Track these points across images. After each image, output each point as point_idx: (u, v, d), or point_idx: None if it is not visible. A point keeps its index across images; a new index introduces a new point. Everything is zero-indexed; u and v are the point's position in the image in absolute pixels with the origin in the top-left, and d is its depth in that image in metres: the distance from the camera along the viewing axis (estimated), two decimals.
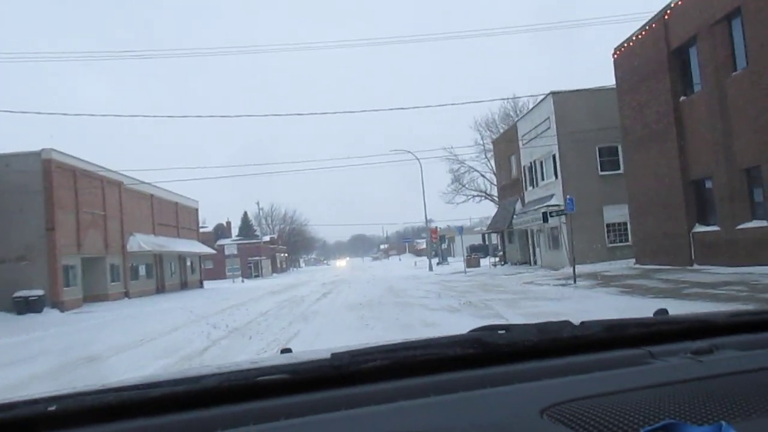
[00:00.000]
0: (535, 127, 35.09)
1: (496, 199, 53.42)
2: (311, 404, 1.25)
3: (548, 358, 1.48)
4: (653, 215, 23.86)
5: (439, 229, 77.47)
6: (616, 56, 26.04)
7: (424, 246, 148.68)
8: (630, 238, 32.06)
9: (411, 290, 26.20)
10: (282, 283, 49.59)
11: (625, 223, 32.20)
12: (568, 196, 22.46)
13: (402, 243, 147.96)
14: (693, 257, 21.58)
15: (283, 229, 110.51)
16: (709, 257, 20.63)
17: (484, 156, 52.22)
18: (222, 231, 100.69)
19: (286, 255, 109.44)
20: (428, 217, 55.88)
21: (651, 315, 1.91)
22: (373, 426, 1.16)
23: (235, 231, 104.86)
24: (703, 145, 20.53)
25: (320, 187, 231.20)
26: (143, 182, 41.68)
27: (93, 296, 35.45)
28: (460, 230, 38.98)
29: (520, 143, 37.75)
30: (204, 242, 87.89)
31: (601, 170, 32.22)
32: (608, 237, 32.17)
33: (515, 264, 40.89)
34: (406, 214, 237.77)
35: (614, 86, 28.79)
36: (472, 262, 50.29)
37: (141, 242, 40.00)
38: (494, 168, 51.39)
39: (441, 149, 54.64)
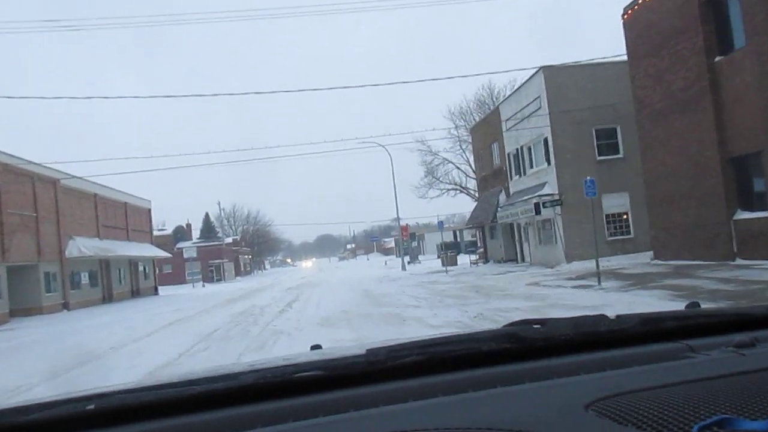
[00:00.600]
0: (522, 108, 31.17)
1: (474, 192, 49.56)
2: (348, 401, 1.23)
3: (585, 353, 1.45)
4: (678, 201, 20.04)
5: (409, 227, 73.44)
6: (626, 17, 22.16)
7: (392, 245, 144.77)
8: (632, 230, 28.38)
9: (393, 295, 21.99)
10: (244, 288, 45.06)
11: (625, 214, 28.48)
12: (588, 178, 18.39)
13: (369, 242, 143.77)
14: (735, 250, 17.77)
15: (246, 230, 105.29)
16: (757, 249, 16.84)
17: (459, 147, 48.38)
18: (182, 233, 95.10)
19: (250, 257, 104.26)
20: (398, 215, 51.37)
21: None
22: (411, 422, 1.12)
23: (196, 233, 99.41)
24: (748, 113, 16.76)
25: (285, 185, 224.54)
26: (83, 179, 36.75)
27: (24, 310, 30.46)
28: (441, 225, 34.95)
29: (504, 128, 33.81)
30: (162, 245, 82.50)
31: (599, 155, 28.43)
32: (607, 229, 28.37)
33: (499, 262, 36.96)
34: (373, 212, 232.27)
35: (611, 60, 25.03)
36: (449, 260, 46.34)
37: (82, 246, 35.05)
38: (471, 159, 47.53)
39: (412, 141, 50.07)
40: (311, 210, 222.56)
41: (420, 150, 48.81)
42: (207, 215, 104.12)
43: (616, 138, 28.35)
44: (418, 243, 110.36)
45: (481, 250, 41.64)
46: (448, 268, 42.71)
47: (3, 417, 1.24)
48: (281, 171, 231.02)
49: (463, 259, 48.38)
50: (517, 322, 1.74)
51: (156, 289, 49.50)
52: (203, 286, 65.45)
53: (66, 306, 33.80)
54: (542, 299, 15.39)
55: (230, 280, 78.17)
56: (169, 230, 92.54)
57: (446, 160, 48.90)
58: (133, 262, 45.10)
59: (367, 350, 1.43)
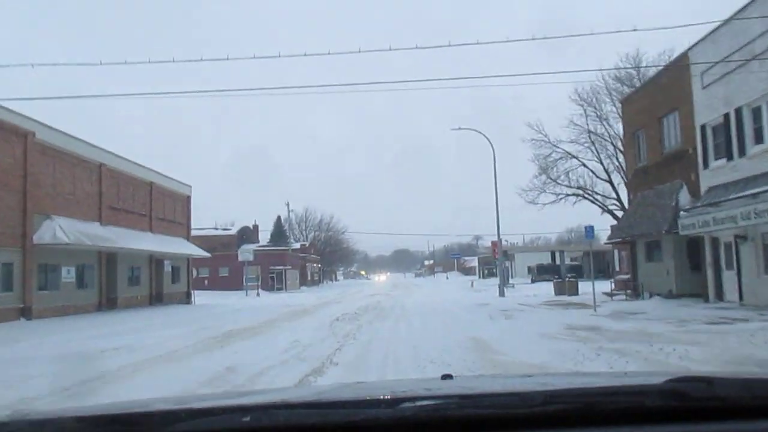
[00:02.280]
0: (741, 47, 18.06)
1: (602, 197, 36.12)
2: None
3: (758, 420, 1.30)
4: None
5: (503, 243, 60.38)
6: None
7: (473, 264, 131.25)
8: None
9: (542, 362, 9.49)
10: (297, 304, 33.60)
11: None
12: None
13: (449, 259, 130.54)
14: None
15: (317, 237, 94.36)
16: None
17: (587, 138, 35.05)
18: (248, 235, 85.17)
19: (320, 266, 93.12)
20: (498, 221, 38.66)
21: None
22: None
23: (264, 236, 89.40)
24: None
25: (361, 188, 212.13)
26: (86, 142, 25.95)
27: None
28: (590, 232, 21.69)
29: (698, 84, 20.62)
30: (225, 245, 72.53)
31: None
32: None
33: (667, 296, 23.45)
34: (454, 227, 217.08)
35: None
36: (568, 288, 33.09)
37: (60, 230, 24.09)
38: (604, 155, 34.29)
39: (523, 126, 36.98)
40: (390, 222, 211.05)
41: (534, 140, 35.89)
42: (279, 218, 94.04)
43: None
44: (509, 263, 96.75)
45: (626, 276, 28.18)
46: (571, 298, 29.62)
47: (153, 423, 1.24)
48: (362, 177, 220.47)
49: (591, 288, 35.03)
50: (682, 378, 1.54)
51: (189, 296, 38.33)
52: (258, 295, 54.46)
53: (26, 313, 22.83)
54: None
55: (293, 290, 67.07)
56: (233, 230, 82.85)
57: (568, 154, 35.75)
58: (156, 260, 34.05)
59: (523, 393, 1.36)
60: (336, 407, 1.37)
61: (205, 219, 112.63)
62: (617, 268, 63.96)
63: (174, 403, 1.69)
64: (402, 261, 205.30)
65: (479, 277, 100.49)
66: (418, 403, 1.33)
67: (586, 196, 36.23)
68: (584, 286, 43.44)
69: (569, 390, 1.46)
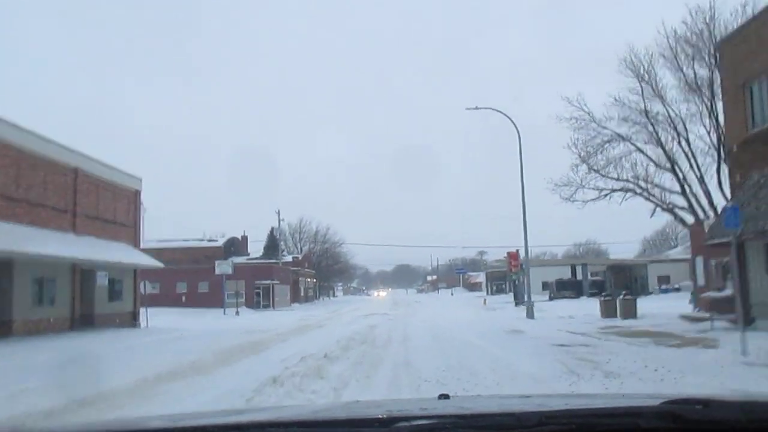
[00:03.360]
0: None
1: (658, 194, 27.64)
2: None
3: None
4: None
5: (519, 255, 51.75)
6: None
7: (479, 280, 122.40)
8: None
9: None
10: (267, 328, 25.21)
11: None
12: None
13: (455, 274, 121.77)
14: None
15: (312, 250, 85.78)
16: None
17: (643, 116, 26.42)
18: (236, 246, 76.81)
19: (315, 281, 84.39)
20: (525, 222, 30.30)
21: None
22: None
23: (257, 248, 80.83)
24: None
25: (360, 201, 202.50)
26: None
27: None
28: (734, 216, 13.50)
29: None
30: (210, 258, 63.94)
31: None
32: None
33: None
34: (459, 240, 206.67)
35: None
36: (622, 308, 24.50)
37: None
38: (664, 140, 25.92)
39: (560, 100, 28.33)
40: (391, 236, 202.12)
41: (573, 120, 27.38)
42: (272, 231, 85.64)
43: None
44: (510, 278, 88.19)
45: (720, 294, 19.58)
46: (635, 323, 21.16)
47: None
48: (362, 189, 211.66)
49: (651, 309, 26.54)
50: (677, 399, 1.51)
51: (136, 316, 29.72)
52: (237, 314, 46.00)
53: None
54: None
55: (282, 308, 58.43)
56: (219, 242, 74.36)
57: (619, 137, 27.12)
58: (81, 270, 25.52)
59: (519, 413, 1.34)
60: (330, 426, 1.34)
61: (193, 230, 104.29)
62: (674, 283, 55.45)
63: (169, 420, 1.66)
64: (404, 277, 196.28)
65: (488, 293, 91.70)
66: (414, 423, 1.30)
67: (640, 190, 27.64)
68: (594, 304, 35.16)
69: (565, 411, 1.44)
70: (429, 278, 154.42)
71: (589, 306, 40.91)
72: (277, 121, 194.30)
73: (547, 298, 57.53)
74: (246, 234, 77.13)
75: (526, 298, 30.46)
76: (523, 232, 30.05)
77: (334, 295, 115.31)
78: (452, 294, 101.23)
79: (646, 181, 27.13)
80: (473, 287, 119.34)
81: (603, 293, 56.46)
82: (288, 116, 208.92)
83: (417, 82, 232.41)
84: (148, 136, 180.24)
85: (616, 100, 27.20)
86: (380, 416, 1.43)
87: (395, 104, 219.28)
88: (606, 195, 28.24)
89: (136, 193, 30.30)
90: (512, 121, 29.59)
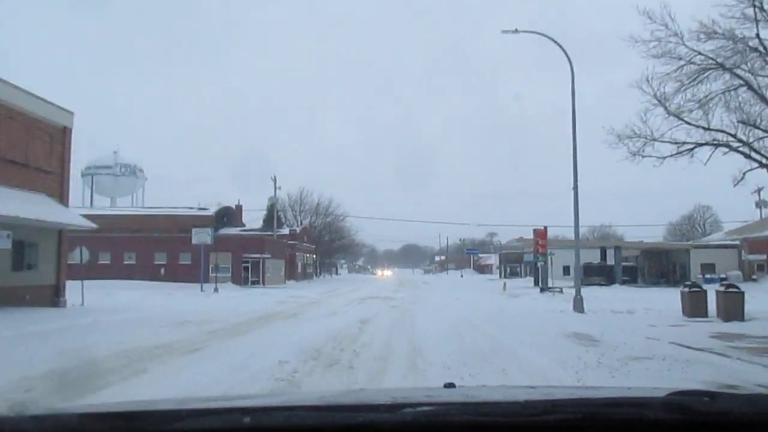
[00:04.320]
0: None
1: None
2: None
3: None
4: None
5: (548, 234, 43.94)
6: None
7: (490, 261, 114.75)
8: None
9: None
10: (229, 314, 18.30)
11: None
12: None
13: (465, 255, 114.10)
14: None
15: (313, 223, 78.33)
16: None
17: (755, 35, 18.51)
18: (229, 217, 69.19)
19: (315, 256, 77.03)
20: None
21: None
22: None
23: (253, 220, 73.44)
24: None
25: (368, 178, 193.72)
26: None
27: None
28: None
29: None
30: (200, 227, 56.68)
31: None
32: None
33: None
34: (469, 219, 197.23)
35: None
36: (725, 305, 16.85)
37: None
38: None
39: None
40: (399, 214, 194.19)
41: (652, 42, 19.32)
42: (273, 204, 78.25)
43: None
44: (528, 263, 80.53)
45: None
46: (743, 327, 13.69)
47: (154, 421, 1.20)
48: (369, 167, 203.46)
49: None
50: (684, 391, 1.50)
51: (57, 292, 22.37)
52: (216, 290, 38.87)
53: None
54: None
55: (274, 285, 51.06)
56: (212, 211, 66.83)
57: (717, 65, 19.15)
58: None
59: (525, 401, 1.32)
60: (336, 411, 1.33)
61: (192, 202, 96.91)
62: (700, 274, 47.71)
63: (176, 403, 1.66)
64: (411, 256, 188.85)
65: (501, 276, 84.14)
66: (419, 409, 1.28)
67: (738, 144, 19.77)
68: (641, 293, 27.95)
69: (571, 400, 1.42)
70: (437, 258, 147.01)
71: (638, 296, 33.30)
72: (283, 104, 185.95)
73: (572, 284, 50.04)
74: (240, 203, 69.39)
75: (574, 286, 22.82)
76: (573, 200, 22.29)
77: (337, 273, 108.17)
78: (462, 276, 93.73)
79: (754, 125, 19.21)
80: (483, 269, 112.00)
81: (664, 280, 48.73)
82: (294, 98, 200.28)
83: (432, 57, 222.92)
84: (155, 114, 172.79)
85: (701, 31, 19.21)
86: (386, 402, 1.42)
87: (404, 83, 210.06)
88: (689, 150, 20.42)
89: (65, 131, 22.73)
90: (561, 47, 21.79)
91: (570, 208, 23.08)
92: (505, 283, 42.81)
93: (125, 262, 50.44)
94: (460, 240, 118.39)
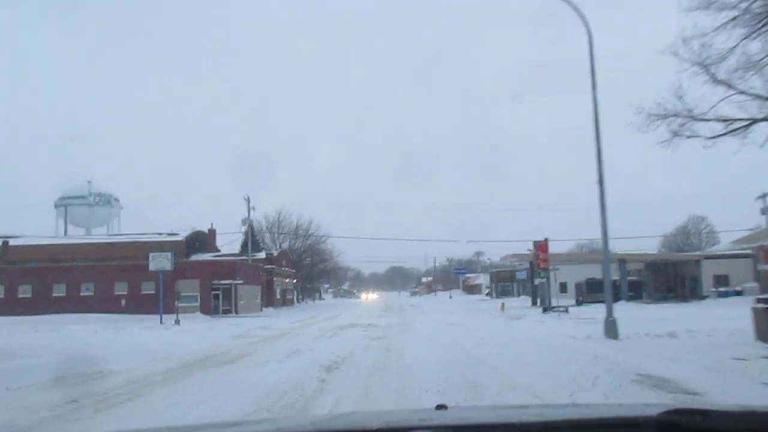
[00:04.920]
0: None
1: None
2: None
3: None
4: None
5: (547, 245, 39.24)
6: None
7: (478, 281, 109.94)
8: None
9: None
10: (188, 351, 13.55)
11: None
12: None
13: (453, 275, 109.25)
14: None
15: (293, 246, 73.33)
16: None
17: None
18: (202, 241, 63.94)
19: (295, 281, 71.77)
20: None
21: None
22: None
23: (230, 245, 68.12)
24: None
25: (351, 200, 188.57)
26: None
27: None
28: None
29: None
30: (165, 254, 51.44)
31: None
32: None
33: None
34: (453, 238, 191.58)
35: None
36: None
37: None
38: None
39: None
40: (383, 234, 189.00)
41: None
42: (251, 226, 73.13)
43: None
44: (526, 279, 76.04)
45: None
46: None
47: None
48: (352, 189, 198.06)
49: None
50: (678, 410, 1.44)
51: None
52: (177, 322, 33.84)
53: None
54: None
55: (250, 313, 45.97)
56: (182, 236, 61.53)
57: None
58: None
59: (518, 424, 1.28)
60: None
61: (168, 227, 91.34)
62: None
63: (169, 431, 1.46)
64: (397, 279, 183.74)
65: (492, 296, 79.33)
66: None
67: None
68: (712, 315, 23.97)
69: (565, 421, 1.38)
70: (424, 280, 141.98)
71: (660, 315, 28.69)
72: (265, 124, 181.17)
73: (574, 302, 45.36)
74: (214, 227, 64.18)
75: (605, 305, 18.06)
76: (599, 197, 17.58)
77: (320, 298, 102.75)
78: (451, 297, 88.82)
79: None
80: (472, 290, 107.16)
81: (672, 294, 44.06)
82: (276, 119, 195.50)
83: (411, 76, 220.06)
84: (130, 134, 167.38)
85: None
86: (379, 427, 1.38)
87: (388, 103, 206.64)
88: (745, 127, 15.91)
89: None
90: (582, 16, 17.29)
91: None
92: (503, 304, 37.95)
93: (82, 294, 45.15)
94: (447, 260, 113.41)
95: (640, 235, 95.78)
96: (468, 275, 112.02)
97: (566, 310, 33.97)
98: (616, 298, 45.10)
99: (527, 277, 70.84)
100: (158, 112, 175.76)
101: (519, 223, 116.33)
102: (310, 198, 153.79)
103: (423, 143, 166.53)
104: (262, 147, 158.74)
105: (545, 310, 35.54)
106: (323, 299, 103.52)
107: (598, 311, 34.65)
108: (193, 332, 25.63)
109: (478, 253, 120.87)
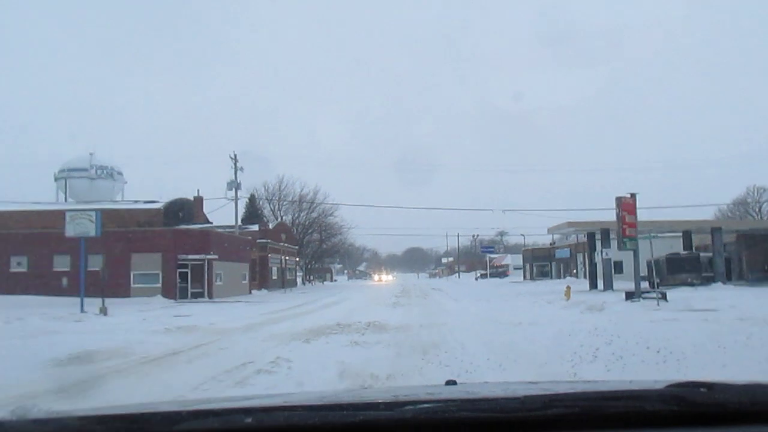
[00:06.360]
0: None
1: None
2: None
3: (758, 425, 1.25)
4: None
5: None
6: None
7: (505, 262, 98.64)
8: None
9: None
10: None
11: None
12: None
13: (475, 255, 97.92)
14: None
15: (295, 219, 62.37)
16: None
17: None
18: (186, 211, 53.01)
19: (297, 259, 60.78)
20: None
21: None
22: None
23: (222, 217, 57.39)
24: None
25: (366, 181, 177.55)
26: None
27: None
28: None
29: None
30: (144, 226, 40.96)
31: None
32: None
33: None
34: (475, 221, 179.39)
35: None
36: None
37: None
38: None
39: None
40: (400, 217, 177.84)
41: None
42: (252, 197, 62.38)
43: None
44: (572, 259, 64.65)
45: None
46: None
47: (155, 423, 1.17)
48: (367, 168, 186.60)
49: None
50: (682, 383, 1.46)
51: None
52: (103, 311, 22.90)
53: None
54: None
55: (231, 297, 35.28)
56: (161, 204, 50.62)
57: None
58: None
59: (523, 397, 1.27)
60: (336, 410, 1.29)
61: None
62: None
63: (177, 405, 1.59)
64: (415, 260, 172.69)
65: (525, 277, 67.85)
66: (419, 406, 1.27)
67: None
68: None
69: (569, 394, 1.38)
70: (444, 260, 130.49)
71: None
72: (275, 106, 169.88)
73: (647, 285, 33.92)
74: (201, 194, 53.16)
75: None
76: None
77: (332, 280, 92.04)
78: (477, 278, 77.33)
79: None
80: (497, 271, 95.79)
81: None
82: (287, 99, 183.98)
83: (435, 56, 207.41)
84: (139, 113, 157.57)
85: None
86: (386, 400, 1.38)
87: (400, 81, 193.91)
88: None
89: None
90: None
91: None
92: (568, 287, 26.49)
93: (11, 270, 34.78)
94: (473, 236, 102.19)
95: (692, 204, 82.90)
96: (494, 255, 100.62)
97: (664, 297, 22.50)
98: (707, 280, 33.71)
99: (570, 255, 59.48)
100: (168, 92, 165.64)
101: (557, 197, 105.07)
102: (325, 179, 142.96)
103: (441, 124, 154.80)
104: (273, 128, 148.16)
105: (630, 296, 24.15)
106: (335, 281, 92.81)
107: (705, 298, 23.29)
108: (105, 331, 15.12)
109: (501, 233, 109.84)
